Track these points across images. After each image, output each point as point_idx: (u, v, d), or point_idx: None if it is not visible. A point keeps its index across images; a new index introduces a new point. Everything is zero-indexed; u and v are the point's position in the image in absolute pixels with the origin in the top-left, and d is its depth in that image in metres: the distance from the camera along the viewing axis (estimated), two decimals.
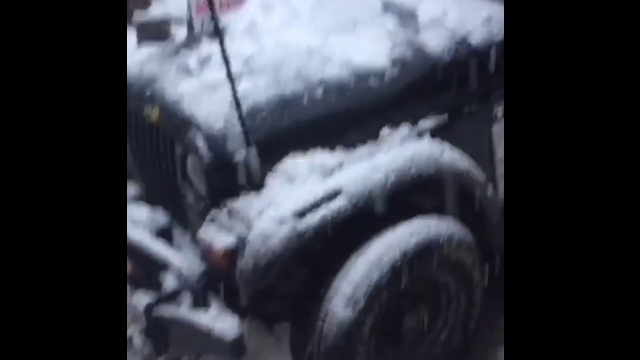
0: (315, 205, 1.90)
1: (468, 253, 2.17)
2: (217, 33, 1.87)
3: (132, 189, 2.59)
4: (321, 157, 2.04)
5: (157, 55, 2.58)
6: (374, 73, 2.17)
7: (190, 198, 2.20)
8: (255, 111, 2.07)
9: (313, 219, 1.89)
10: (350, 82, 2.15)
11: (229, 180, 2.04)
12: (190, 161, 2.14)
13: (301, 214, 1.89)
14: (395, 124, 2.15)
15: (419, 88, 2.19)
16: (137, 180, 2.57)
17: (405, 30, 2.31)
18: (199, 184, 2.14)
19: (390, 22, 2.34)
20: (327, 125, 2.10)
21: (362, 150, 2.08)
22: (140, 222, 2.27)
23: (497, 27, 2.30)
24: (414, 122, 2.17)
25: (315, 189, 1.94)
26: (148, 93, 2.36)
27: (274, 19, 2.60)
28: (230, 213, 1.99)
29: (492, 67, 2.28)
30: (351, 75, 2.17)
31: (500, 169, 2.35)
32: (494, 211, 2.27)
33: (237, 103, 1.91)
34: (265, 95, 2.12)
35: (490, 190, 2.24)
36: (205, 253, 2.00)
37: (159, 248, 2.13)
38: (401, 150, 2.04)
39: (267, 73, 2.24)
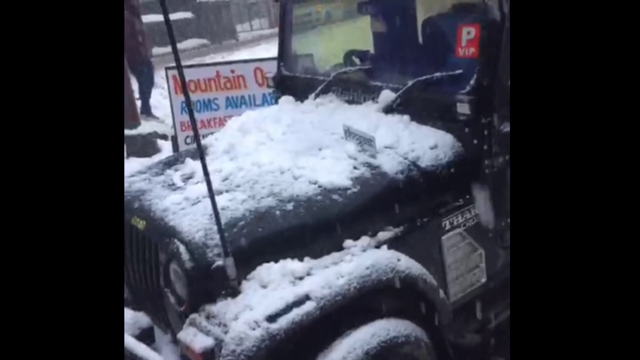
0: (286, 310, 2.13)
1: (425, 351, 2.40)
2: (200, 153, 2.16)
3: None
4: (291, 265, 2.29)
5: (144, 173, 2.87)
6: (337, 190, 2.48)
7: (171, 301, 2.42)
8: (233, 223, 2.34)
9: (284, 322, 2.11)
10: (316, 198, 2.45)
11: (208, 286, 2.26)
12: (173, 268, 2.38)
13: (273, 317, 2.11)
14: (356, 236, 2.43)
15: (377, 204, 2.49)
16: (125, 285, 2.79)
17: (364, 154, 2.65)
18: (180, 288, 2.36)
19: (350, 147, 2.68)
20: (296, 237, 2.37)
21: (328, 259, 2.34)
22: (125, 324, 2.47)
23: (442, 152, 2.65)
24: (373, 234, 2.46)
25: (286, 294, 2.18)
26: (136, 205, 2.63)
27: (250, 141, 2.94)
28: (209, 317, 2.20)
29: (439, 186, 2.61)
30: (318, 192, 2.47)
31: (451, 274, 2.63)
32: (446, 312, 2.52)
33: (216, 216, 2.18)
34: (242, 209, 2.40)
35: (441, 293, 2.51)
36: (185, 353, 2.19)
37: (141, 349, 2.32)
38: (362, 259, 2.31)
39: (244, 189, 2.54)
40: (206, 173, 2.16)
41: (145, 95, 9.27)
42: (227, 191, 2.54)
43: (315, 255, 2.36)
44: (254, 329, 2.08)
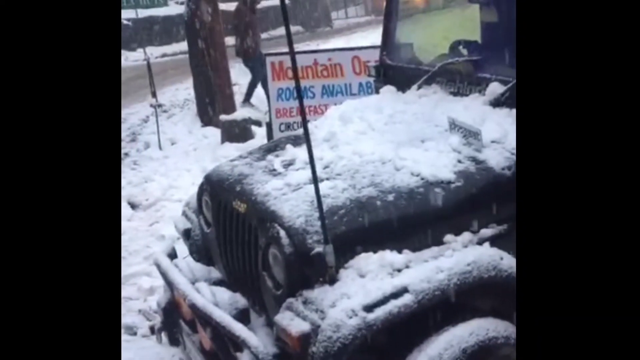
0: (383, 301, 2.12)
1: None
2: (307, 140, 2.16)
3: (215, 273, 2.88)
4: (390, 256, 2.27)
5: (246, 157, 2.93)
6: (440, 183, 2.43)
7: (268, 285, 2.45)
8: (333, 211, 2.34)
9: (381, 312, 2.09)
10: (418, 190, 2.41)
11: (306, 271, 2.28)
12: (272, 252, 2.41)
13: (370, 307, 2.10)
14: (457, 231, 2.38)
15: (481, 199, 2.42)
16: (221, 266, 2.86)
17: (468, 147, 2.58)
18: (279, 273, 2.39)
19: (455, 140, 2.62)
20: (396, 228, 2.34)
21: (427, 253, 2.30)
22: (222, 303, 2.53)
23: None
24: (476, 230, 2.40)
25: (384, 285, 2.16)
26: (238, 189, 2.68)
27: (351, 130, 2.92)
28: (306, 302, 2.22)
29: None
30: (420, 184, 2.43)
31: None
32: None
33: (319, 203, 2.18)
34: (343, 198, 2.40)
35: None
36: (281, 336, 2.22)
37: (238, 328, 2.37)
38: (463, 255, 2.26)
39: (344, 178, 2.53)
40: (311, 160, 2.16)
41: (253, 86, 9.38)
42: (327, 179, 2.54)
43: (415, 248, 2.33)
44: (350, 317, 2.07)
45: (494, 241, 2.37)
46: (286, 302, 2.28)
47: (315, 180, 2.17)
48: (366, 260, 2.26)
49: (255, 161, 2.91)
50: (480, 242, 2.36)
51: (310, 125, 3.25)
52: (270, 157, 2.88)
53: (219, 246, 2.84)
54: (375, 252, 2.29)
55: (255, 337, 2.33)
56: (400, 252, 2.31)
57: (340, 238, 2.27)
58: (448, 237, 2.36)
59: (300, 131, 3.27)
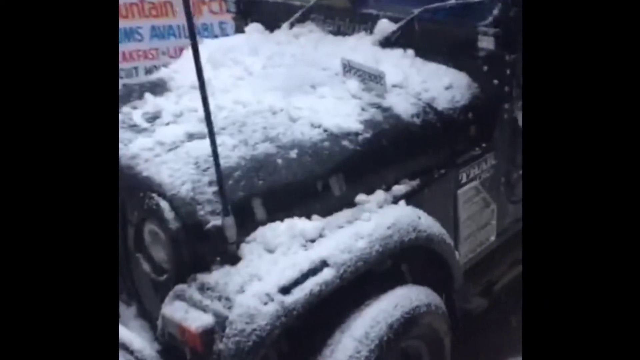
0: (301, 279, 1.76)
1: (442, 321, 2.11)
2: (201, 85, 1.69)
3: None
4: (301, 224, 1.90)
5: None
6: (347, 135, 2.09)
7: (144, 269, 1.97)
8: (226, 173, 1.90)
9: (301, 294, 1.73)
10: (323, 144, 2.05)
11: (199, 250, 1.84)
12: (149, 228, 1.92)
13: (287, 288, 1.73)
14: (369, 189, 2.07)
15: (392, 152, 2.13)
16: None
17: (369, 93, 2.26)
18: (160, 254, 1.91)
19: (353, 84, 2.28)
20: (303, 190, 1.97)
21: (340, 217, 1.97)
22: None
23: (458, 93, 2.32)
24: (388, 187, 2.11)
25: (299, 260, 1.80)
26: None
27: (225, 76, 2.47)
28: (203, 288, 1.78)
29: (457, 132, 2.29)
30: (324, 137, 2.07)
31: (464, 231, 2.34)
32: (459, 276, 2.24)
33: (217, 164, 1.74)
34: (235, 157, 1.97)
35: (457, 255, 2.21)
36: (173, 333, 1.77)
37: None
38: (382, 217, 1.96)
39: (231, 132, 2.09)
40: (207, 109, 1.70)
41: None
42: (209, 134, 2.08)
43: (324, 212, 1.98)
44: (266, 303, 1.69)
45: (409, 199, 2.10)
46: (174, 289, 1.82)
47: (211, 133, 1.71)
48: (273, 231, 1.87)
49: None
50: (395, 201, 2.08)
51: (165, 71, 2.74)
52: (125, 109, 2.32)
53: None
54: (281, 220, 1.91)
55: (138, 338, 1.85)
56: (308, 218, 1.96)
57: (238, 206, 1.85)
58: (360, 198, 2.05)
59: (153, 77, 2.74)
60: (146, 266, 1.96)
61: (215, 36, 5.03)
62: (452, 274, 2.18)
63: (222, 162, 1.92)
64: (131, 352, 1.83)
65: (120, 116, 2.28)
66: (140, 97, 2.42)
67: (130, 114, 2.29)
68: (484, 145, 2.34)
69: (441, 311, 2.11)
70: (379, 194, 2.06)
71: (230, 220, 1.78)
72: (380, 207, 2.02)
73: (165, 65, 2.93)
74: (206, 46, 2.80)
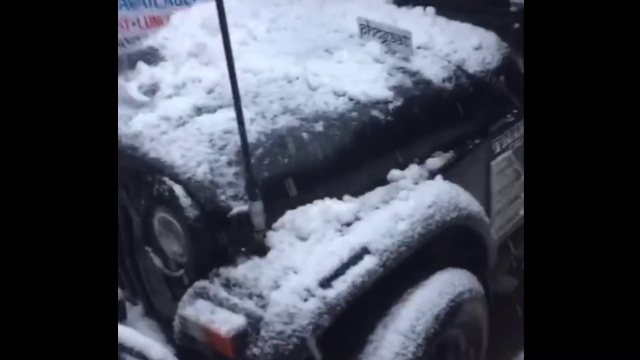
0: (342, 269, 1.55)
1: (482, 306, 1.94)
2: (226, 48, 1.44)
3: None
4: (335, 206, 1.68)
5: None
6: (376, 104, 1.86)
7: (155, 264, 1.73)
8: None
9: (342, 286, 1.52)
10: (350, 114, 1.83)
11: (220, 242, 1.61)
12: (160, 217, 1.68)
13: (328, 281, 1.52)
14: (403, 164, 1.86)
15: (425, 121, 1.92)
16: None
17: (392, 56, 2.04)
18: (173, 246, 1.68)
19: (374, 47, 2.05)
20: (332, 168, 1.75)
21: (374, 197, 1.76)
22: None
23: (489, 54, 2.11)
24: (421, 161, 1.90)
25: (337, 247, 1.58)
26: None
27: None
28: (229, 285, 1.56)
29: (490, 97, 2.08)
30: (350, 106, 1.84)
31: (495, 206, 2.16)
32: (494, 255, 2.06)
33: (244, 140, 1.51)
34: (254, 132, 1.73)
35: (492, 233, 2.03)
36: (196, 337, 1.55)
37: (125, 334, 1.63)
38: (421, 195, 1.75)
39: (245, 105, 1.83)
40: (233, 78, 1.46)
41: None
42: (220, 107, 1.84)
43: (356, 192, 1.77)
44: (306, 300, 1.48)
45: (444, 173, 1.90)
46: (194, 286, 1.60)
47: (238, 105, 1.48)
48: (304, 216, 1.64)
49: None
50: (430, 176, 1.87)
51: (155, 38, 2.47)
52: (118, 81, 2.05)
53: None
54: (310, 202, 1.69)
55: (157, 345, 1.62)
56: (340, 198, 1.74)
57: (263, 188, 1.61)
58: (393, 173, 1.83)
59: (143, 45, 2.46)
60: (157, 260, 1.72)
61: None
62: (487, 254, 2.00)
63: (238, 137, 1.69)
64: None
65: None
66: (132, 67, 2.15)
67: (124, 87, 2.02)
68: (515, 111, 2.14)
69: (481, 296, 1.93)
70: (414, 169, 1.85)
71: (258, 206, 1.55)
72: (416, 183, 1.81)
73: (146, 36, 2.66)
74: (199, 10, 2.53)
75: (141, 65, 2.12)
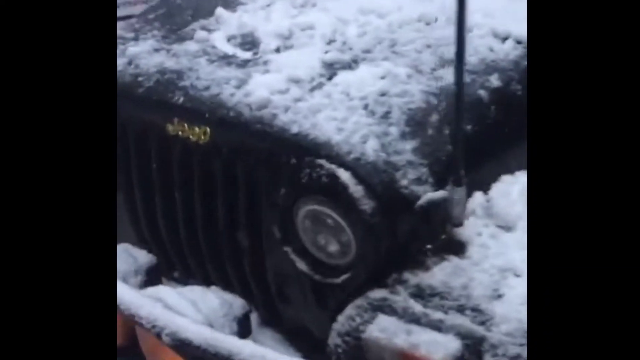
0: None
1: None
2: None
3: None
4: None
5: (144, 35, 1.62)
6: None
7: (300, 269, 1.34)
8: (417, 119, 1.29)
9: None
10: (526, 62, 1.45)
11: (401, 239, 1.24)
12: (309, 212, 1.28)
13: None
14: None
15: None
16: (154, 243, 1.59)
17: None
18: (332, 247, 1.29)
19: None
20: (517, 134, 1.38)
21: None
22: (215, 317, 1.35)
23: None
24: None
25: None
26: (179, 99, 1.41)
27: None
28: (423, 295, 1.20)
29: None
30: (523, 52, 1.47)
31: None
32: None
33: (459, 106, 1.13)
34: (418, 92, 1.34)
35: None
36: None
37: (248, 349, 1.23)
38: None
39: (385, 57, 1.44)
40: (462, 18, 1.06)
41: None
42: (355, 62, 1.44)
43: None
44: None
45: None
46: (368, 297, 1.24)
47: (460, 63, 1.09)
48: (504, 198, 1.28)
49: (171, 43, 1.60)
50: None
51: None
52: (201, 34, 1.60)
53: (143, 209, 1.56)
54: (497, 180, 1.33)
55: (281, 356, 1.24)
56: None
57: (445, 167, 1.24)
58: None
59: None
60: (300, 263, 1.33)
61: None
62: None
63: (401, 101, 1.31)
64: None
65: (195, 45, 1.56)
66: (205, 14, 1.70)
67: (207, 40, 1.58)
68: None
69: None
70: None
71: (462, 192, 1.18)
72: None
73: None
74: None
75: (221, 11, 1.67)
